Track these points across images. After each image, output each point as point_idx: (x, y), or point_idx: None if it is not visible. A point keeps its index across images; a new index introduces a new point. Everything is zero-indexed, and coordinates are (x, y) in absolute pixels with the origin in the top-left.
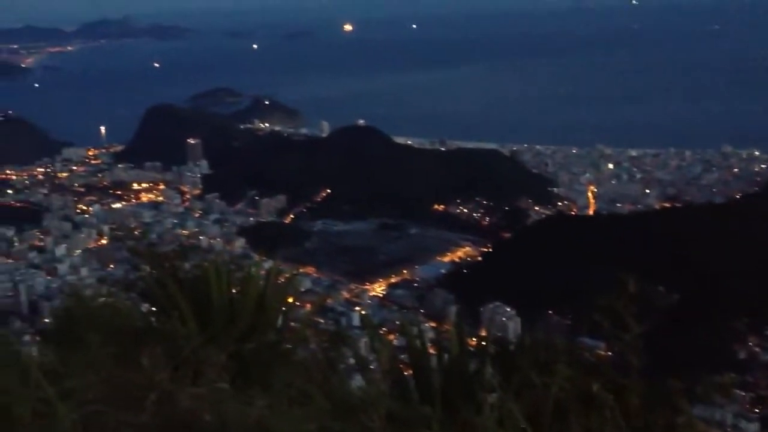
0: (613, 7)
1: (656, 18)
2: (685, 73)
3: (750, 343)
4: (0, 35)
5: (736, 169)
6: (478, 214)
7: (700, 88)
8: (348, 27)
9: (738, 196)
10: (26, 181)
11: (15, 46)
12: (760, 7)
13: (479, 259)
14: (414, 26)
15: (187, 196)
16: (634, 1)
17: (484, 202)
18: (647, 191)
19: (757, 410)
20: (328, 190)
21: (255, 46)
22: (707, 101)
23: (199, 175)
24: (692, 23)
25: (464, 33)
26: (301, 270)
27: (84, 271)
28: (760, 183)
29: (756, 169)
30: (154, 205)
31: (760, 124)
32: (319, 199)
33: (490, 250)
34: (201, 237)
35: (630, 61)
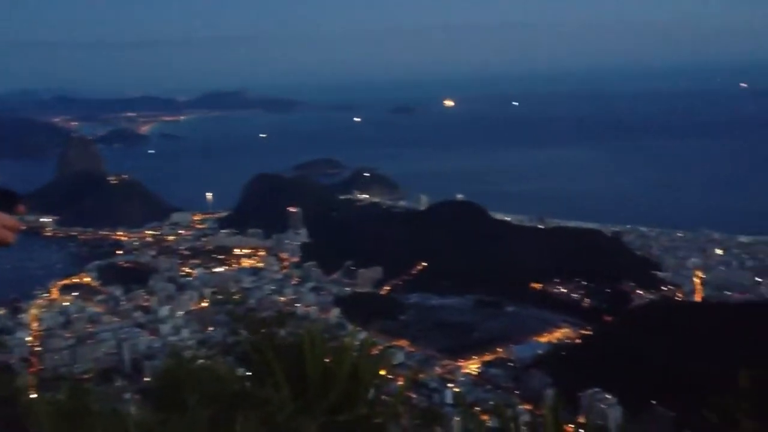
0: (720, 90)
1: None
2: None
3: None
4: (120, 104)
5: None
6: (578, 295)
7: None
8: (449, 103)
9: None
10: (136, 243)
11: (133, 114)
12: None
13: (578, 341)
14: (515, 104)
15: (286, 263)
16: (742, 84)
17: (584, 282)
18: (759, 280)
19: None
20: (425, 264)
21: (358, 119)
22: None
23: (298, 243)
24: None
25: (566, 112)
26: (394, 343)
27: (185, 333)
28: None
29: None
30: (254, 271)
31: None
32: (415, 272)
33: (591, 332)
34: (297, 304)
35: (741, 145)
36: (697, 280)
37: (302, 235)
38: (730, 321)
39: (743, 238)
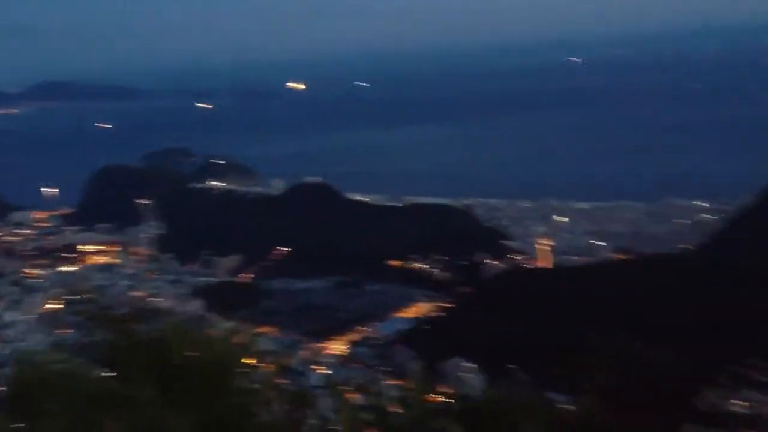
0: (558, 66)
1: (604, 75)
2: (630, 128)
3: (708, 394)
4: None
5: (682, 220)
6: (435, 269)
7: (644, 142)
8: (300, 86)
9: (688, 247)
10: None
11: None
12: (703, 62)
13: (439, 314)
14: (365, 84)
15: (140, 257)
16: (579, 60)
17: (441, 257)
18: (601, 244)
19: None
20: (284, 248)
21: (210, 105)
22: (652, 155)
23: (151, 236)
24: (639, 78)
25: (418, 91)
26: (259, 330)
27: (36, 337)
28: (707, 233)
29: (701, 219)
30: (106, 267)
31: (702, 176)
32: (275, 258)
33: (450, 305)
34: (156, 298)
35: (576, 116)
36: (543, 247)
37: (155, 228)
38: (575, 283)
39: (583, 205)
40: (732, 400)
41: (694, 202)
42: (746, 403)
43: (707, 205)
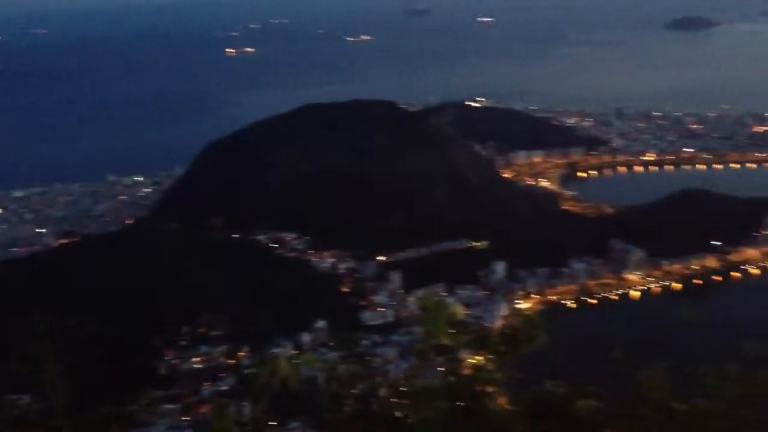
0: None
1: (23, 57)
2: (53, 111)
3: (168, 358)
4: None
5: (123, 197)
6: None
7: (72, 125)
8: None
9: (130, 222)
10: None
11: None
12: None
13: None
14: None
15: None
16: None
17: None
18: (42, 230)
19: (186, 418)
20: None
21: None
22: (81, 136)
23: None
24: (54, 62)
25: None
26: None
27: None
28: (148, 206)
29: (141, 194)
30: None
31: (138, 152)
32: None
33: None
34: None
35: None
36: None
37: None
38: (21, 275)
39: (18, 193)
40: (191, 359)
41: (134, 178)
42: (202, 358)
43: (143, 179)
